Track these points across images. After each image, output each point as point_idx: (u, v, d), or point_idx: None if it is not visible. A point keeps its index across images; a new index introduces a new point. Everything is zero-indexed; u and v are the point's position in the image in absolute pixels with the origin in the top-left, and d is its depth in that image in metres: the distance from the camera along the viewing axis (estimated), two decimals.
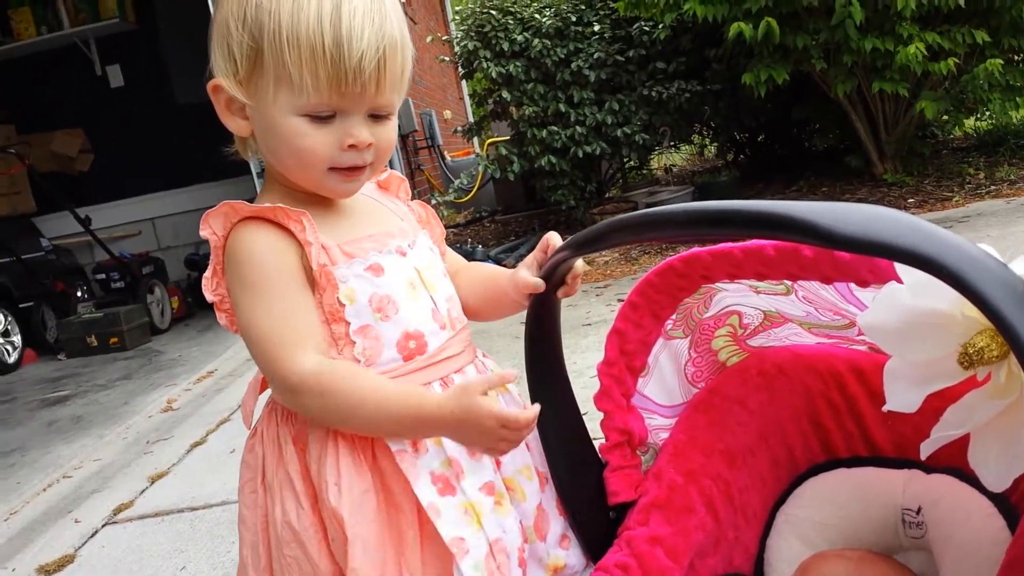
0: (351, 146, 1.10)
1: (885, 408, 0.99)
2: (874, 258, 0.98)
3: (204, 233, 1.13)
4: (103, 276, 7.18)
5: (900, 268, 0.92)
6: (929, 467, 1.25)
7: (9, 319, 6.74)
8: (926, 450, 0.97)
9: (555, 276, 1.21)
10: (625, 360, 1.33)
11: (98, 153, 8.23)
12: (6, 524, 3.28)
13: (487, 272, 1.37)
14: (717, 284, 1.29)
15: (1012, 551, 0.96)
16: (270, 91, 1.08)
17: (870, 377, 1.34)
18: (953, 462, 1.22)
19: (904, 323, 0.93)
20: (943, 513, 1.18)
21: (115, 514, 3.18)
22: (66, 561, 2.85)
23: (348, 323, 1.12)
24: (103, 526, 3.11)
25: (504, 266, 6.82)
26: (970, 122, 7.84)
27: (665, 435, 1.40)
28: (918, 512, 1.22)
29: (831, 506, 1.31)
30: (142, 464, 3.67)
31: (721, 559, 1.31)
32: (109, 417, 4.53)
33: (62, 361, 6.59)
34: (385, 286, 1.14)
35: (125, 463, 3.76)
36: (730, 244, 1.17)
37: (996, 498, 1.14)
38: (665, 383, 1.41)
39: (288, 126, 1.09)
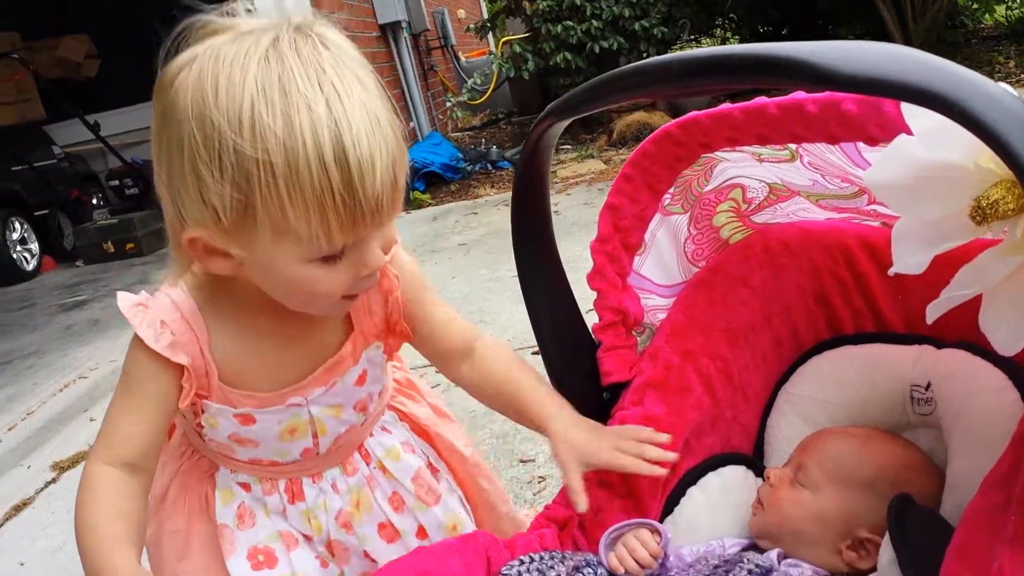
0: (370, 274, 1.01)
1: (891, 271, 0.91)
2: (883, 113, 0.89)
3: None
4: (117, 183, 7.15)
5: (909, 117, 0.83)
6: (941, 342, 1.18)
7: (25, 227, 6.75)
8: (933, 312, 0.91)
9: (540, 145, 1.13)
10: (620, 237, 1.26)
11: (105, 59, 8.08)
12: (23, 423, 3.32)
13: (511, 387, 1.23)
14: (717, 153, 1.21)
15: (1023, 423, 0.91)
16: (268, 243, 0.92)
17: (881, 252, 1.26)
18: (967, 336, 1.16)
19: (914, 178, 0.85)
20: (954, 388, 1.11)
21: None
22: (80, 458, 2.88)
23: (204, 434, 1.16)
24: None
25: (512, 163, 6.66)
26: (1001, 10, 7.51)
27: (663, 316, 1.33)
28: (927, 388, 1.16)
29: (835, 383, 1.25)
30: None
31: (719, 438, 1.27)
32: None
33: (80, 268, 6.63)
34: (251, 432, 1.14)
35: None
36: (730, 105, 1.08)
37: (1011, 370, 1.07)
38: (663, 262, 1.34)
39: (297, 275, 0.96)
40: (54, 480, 2.77)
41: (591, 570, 1.06)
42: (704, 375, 1.26)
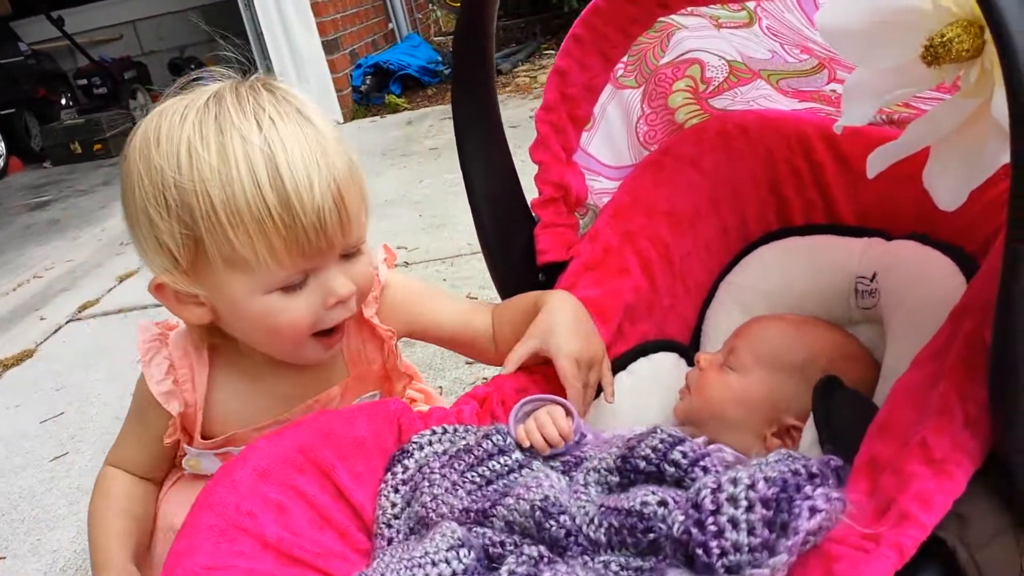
0: (336, 303, 0.98)
1: (836, 126, 0.84)
2: None
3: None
4: (85, 82, 6.95)
5: None
6: (891, 235, 1.12)
7: None
8: (874, 165, 0.84)
9: None
10: (567, 107, 1.19)
11: None
12: None
13: (525, 305, 1.16)
14: (674, 18, 1.13)
15: (967, 296, 0.85)
16: (223, 277, 0.93)
17: (841, 143, 1.19)
18: (918, 227, 1.10)
19: (868, 23, 0.78)
20: (899, 277, 1.06)
21: (80, 311, 3.13)
22: (25, 356, 2.82)
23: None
24: (66, 323, 3.07)
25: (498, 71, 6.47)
26: None
27: (608, 200, 1.27)
28: (872, 279, 1.10)
29: (778, 273, 1.19)
30: (113, 264, 3.60)
31: (654, 325, 1.21)
32: (86, 220, 4.45)
33: (47, 169, 6.47)
34: None
35: (96, 263, 3.70)
36: None
37: (959, 258, 1.01)
38: (613, 140, 1.27)
39: (258, 308, 0.96)
40: None
41: (500, 436, 1.00)
42: (643, 258, 1.19)
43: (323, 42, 5.47)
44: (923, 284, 1.01)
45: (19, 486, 1.99)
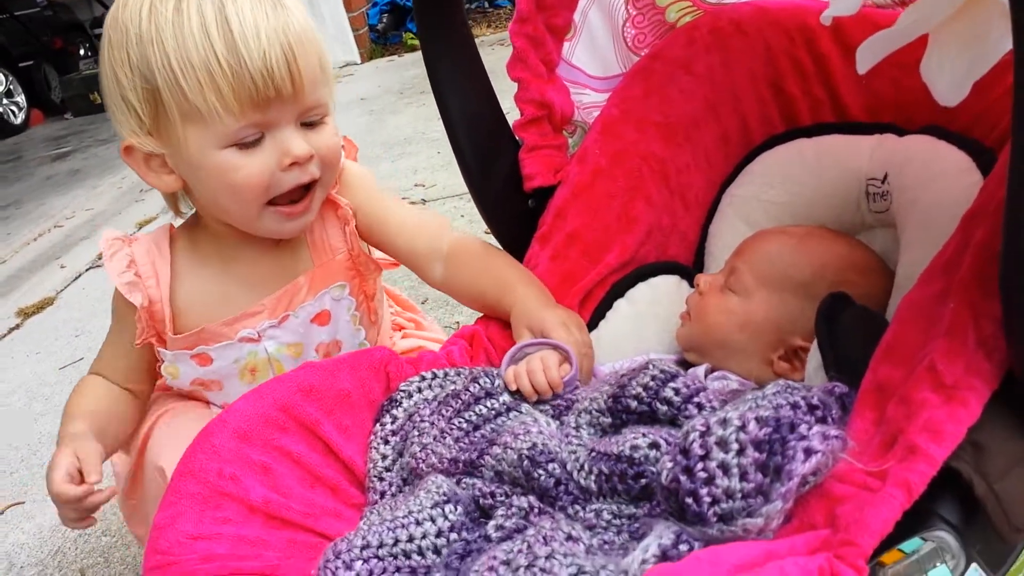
0: (292, 164, 0.99)
1: (824, 15, 0.75)
2: None
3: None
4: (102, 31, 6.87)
5: None
6: (903, 129, 1.02)
7: (10, 79, 6.55)
8: (865, 57, 0.75)
9: None
10: (543, 16, 1.09)
11: None
12: None
13: (481, 283, 1.12)
14: None
15: (980, 198, 0.76)
16: (180, 132, 0.96)
17: (847, 31, 1.08)
18: (933, 119, 1.00)
19: None
20: (912, 175, 0.96)
21: (99, 259, 3.13)
22: (46, 303, 2.83)
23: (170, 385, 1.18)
24: (86, 270, 3.07)
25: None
26: None
27: (598, 114, 1.18)
28: (884, 180, 1.01)
29: (783, 182, 1.10)
30: (132, 211, 3.60)
31: (654, 247, 1.13)
32: (106, 169, 4.45)
33: (68, 120, 6.48)
34: (211, 373, 1.14)
35: (116, 211, 3.70)
36: None
37: (975, 151, 0.92)
38: (598, 49, 1.17)
39: (215, 163, 0.97)
40: (17, 327, 2.71)
41: (487, 379, 0.95)
42: (635, 177, 1.11)
43: None
44: (937, 182, 0.92)
45: (39, 432, 2.01)
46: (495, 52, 5.22)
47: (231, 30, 0.92)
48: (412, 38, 5.91)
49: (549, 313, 1.01)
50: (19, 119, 6.50)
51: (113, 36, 0.96)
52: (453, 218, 2.55)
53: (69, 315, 2.69)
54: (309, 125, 1.00)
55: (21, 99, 6.58)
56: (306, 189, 1.03)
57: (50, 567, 1.52)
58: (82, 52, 7.28)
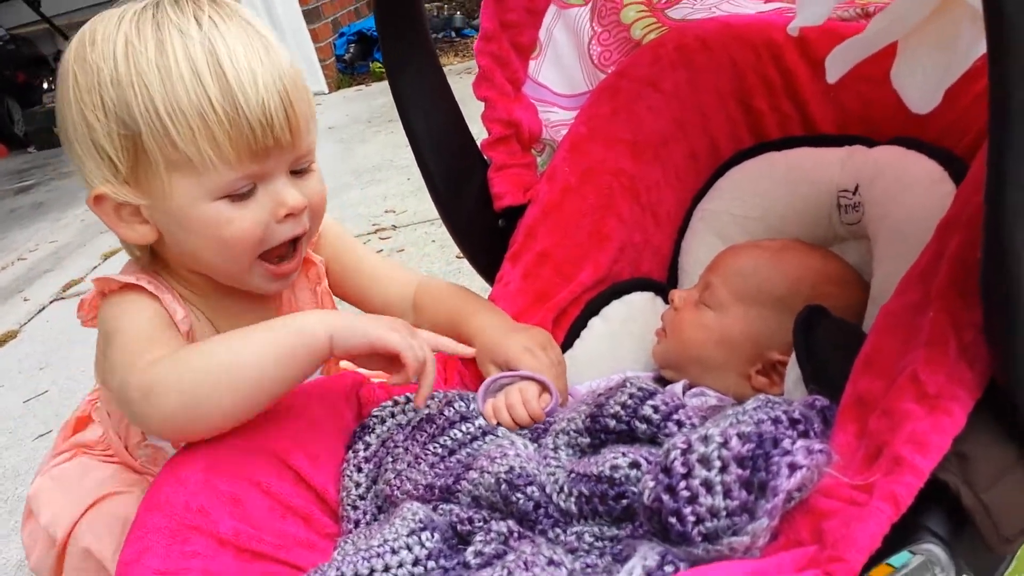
0: (287, 215, 0.91)
1: (791, 27, 0.74)
2: None
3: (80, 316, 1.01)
4: None
5: None
6: (873, 141, 1.02)
7: None
8: (835, 66, 0.74)
9: None
10: (508, 35, 1.08)
11: None
12: None
13: (452, 323, 1.08)
14: None
15: (954, 207, 0.75)
16: (165, 181, 0.86)
17: (813, 45, 1.09)
18: (903, 131, 1.00)
19: None
20: (883, 186, 0.96)
21: (64, 290, 3.08)
22: (9, 337, 2.77)
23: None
24: (50, 302, 3.01)
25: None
26: None
27: (566, 132, 1.17)
28: (855, 191, 1.00)
29: (754, 196, 1.09)
30: (97, 243, 3.53)
31: (627, 264, 1.12)
32: (69, 202, 4.37)
33: (32, 154, 6.37)
34: None
35: (80, 243, 3.63)
36: None
37: (947, 160, 0.91)
38: (564, 67, 1.16)
39: (204, 216, 0.88)
40: None
41: (463, 403, 0.93)
42: (605, 195, 1.10)
43: (304, 11, 5.28)
44: (909, 193, 0.91)
45: (3, 465, 1.96)
46: (462, 79, 5.22)
47: (225, 74, 0.84)
48: (380, 67, 5.90)
49: (512, 341, 0.99)
50: None
51: (81, 77, 0.86)
52: (424, 244, 2.53)
53: (33, 348, 2.62)
54: (298, 173, 0.93)
55: None
56: (293, 243, 0.96)
57: None
58: (45, 86, 7.18)
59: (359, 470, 0.94)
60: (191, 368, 0.84)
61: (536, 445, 0.88)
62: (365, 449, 0.95)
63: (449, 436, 0.91)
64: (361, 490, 0.93)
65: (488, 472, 0.81)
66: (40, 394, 2.27)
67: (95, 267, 3.25)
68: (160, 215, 0.90)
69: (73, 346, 2.50)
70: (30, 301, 3.05)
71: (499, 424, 0.92)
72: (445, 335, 1.06)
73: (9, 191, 5.16)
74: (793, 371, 0.87)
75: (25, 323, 2.85)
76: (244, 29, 0.87)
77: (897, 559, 0.65)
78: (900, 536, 0.63)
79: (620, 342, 1.07)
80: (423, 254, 2.47)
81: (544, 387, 0.94)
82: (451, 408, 0.93)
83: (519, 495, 0.79)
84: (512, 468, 0.80)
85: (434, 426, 0.93)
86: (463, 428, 0.91)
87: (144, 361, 0.87)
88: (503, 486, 0.79)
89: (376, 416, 0.98)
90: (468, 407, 0.93)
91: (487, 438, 0.89)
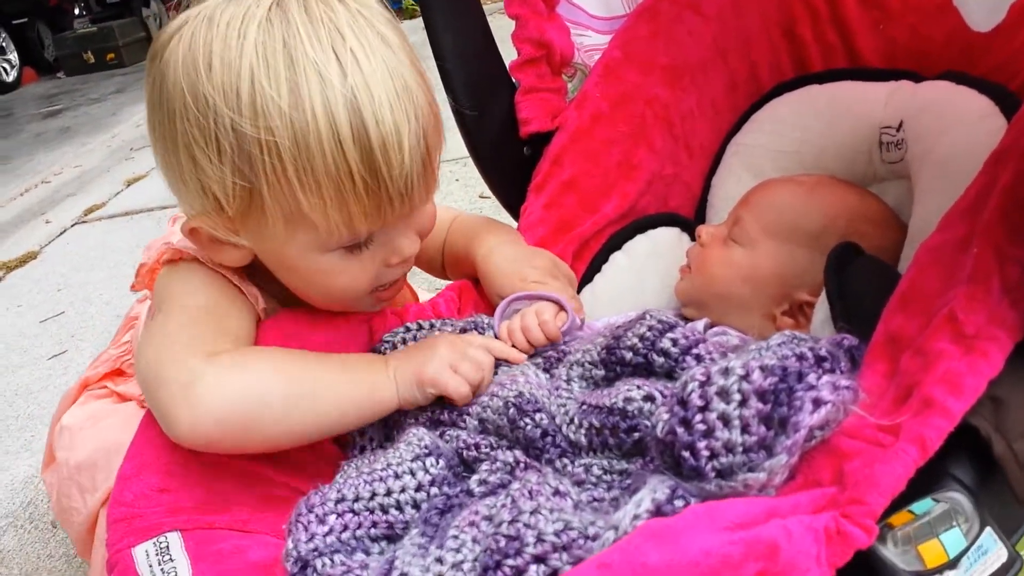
0: (400, 262, 0.85)
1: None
2: None
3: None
4: None
5: None
6: (920, 76, 0.97)
7: (3, 36, 6.44)
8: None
9: None
10: None
11: None
12: None
13: (464, 241, 1.04)
14: None
15: (1007, 139, 0.70)
16: (280, 233, 0.77)
17: None
18: (953, 66, 0.94)
19: None
20: (929, 122, 0.90)
21: (86, 214, 3.09)
22: (28, 258, 2.79)
23: None
24: (72, 225, 3.02)
25: None
26: None
27: (599, 57, 1.12)
28: (899, 128, 0.95)
29: (793, 129, 1.04)
30: (121, 169, 3.54)
31: (655, 198, 1.08)
32: (96, 128, 4.37)
33: (61, 79, 6.39)
34: None
35: (105, 169, 3.64)
36: None
37: (999, 96, 0.86)
38: None
39: (315, 267, 0.81)
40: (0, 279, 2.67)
41: (477, 332, 0.90)
42: (638, 123, 1.06)
43: None
44: (956, 128, 0.86)
45: (16, 383, 1.98)
46: (494, 21, 5.14)
47: (369, 141, 0.72)
48: (412, 5, 5.81)
49: (521, 265, 0.95)
50: (11, 77, 6.40)
51: (192, 107, 0.72)
52: (447, 183, 2.50)
53: (52, 269, 2.64)
54: None
55: (14, 57, 6.48)
56: None
57: (21, 519, 1.48)
58: (76, 11, 7.17)
59: None
60: (262, 381, 0.77)
61: (548, 376, 0.86)
62: None
63: None
64: None
65: (497, 396, 0.79)
66: (56, 315, 2.29)
67: (118, 192, 3.26)
68: (266, 253, 0.82)
69: (92, 270, 2.52)
70: (52, 224, 3.07)
71: (514, 346, 0.89)
72: (461, 264, 1.04)
73: (37, 115, 5.17)
74: (821, 310, 0.83)
75: (45, 245, 2.87)
76: (385, 60, 0.75)
77: (919, 506, 0.62)
78: (924, 482, 0.60)
79: (643, 278, 1.03)
80: (446, 193, 2.44)
81: (560, 307, 0.91)
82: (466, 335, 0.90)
83: (527, 420, 0.76)
84: (521, 393, 0.78)
85: None
86: None
87: (202, 348, 0.78)
88: (511, 410, 0.77)
89: (388, 342, 0.95)
90: (483, 334, 0.90)
91: (499, 367, 0.87)
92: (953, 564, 0.62)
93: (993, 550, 0.64)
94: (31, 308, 2.37)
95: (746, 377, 0.62)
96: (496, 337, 0.91)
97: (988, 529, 0.64)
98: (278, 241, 0.79)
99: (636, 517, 0.59)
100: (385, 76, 0.74)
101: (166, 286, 0.85)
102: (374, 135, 0.72)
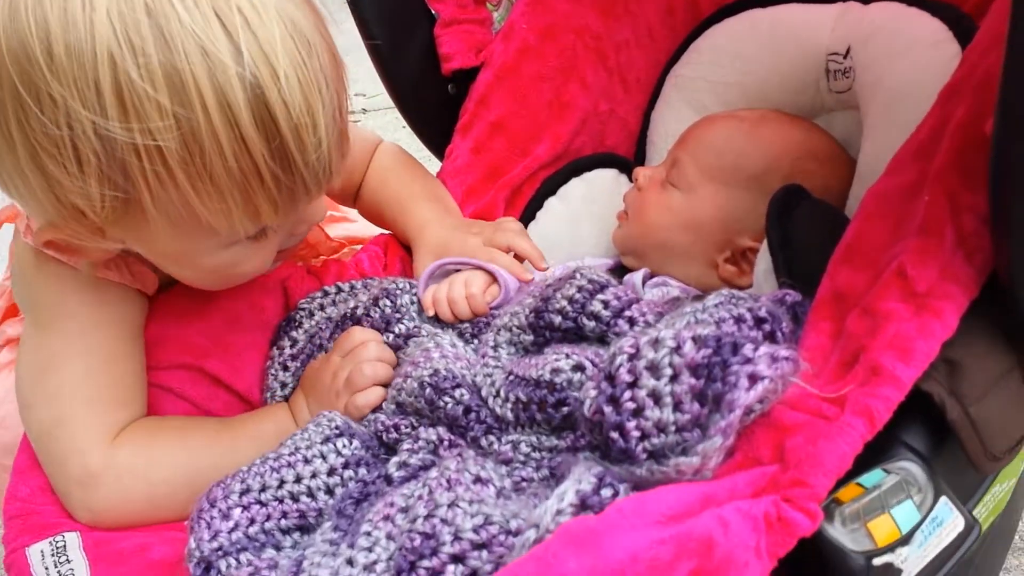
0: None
1: None
2: None
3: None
4: None
5: None
6: None
7: None
8: None
9: None
10: None
11: None
12: None
13: (395, 195, 0.95)
14: None
15: (960, 71, 0.63)
16: (168, 237, 0.65)
17: None
18: None
19: None
20: (878, 47, 0.83)
21: None
22: None
23: None
24: None
25: None
26: None
27: None
28: (846, 55, 0.87)
29: (733, 59, 0.96)
30: None
31: (590, 137, 1.00)
32: None
33: None
34: None
35: None
36: None
37: (952, 19, 0.79)
38: None
39: (213, 262, 0.70)
40: None
41: (389, 302, 0.83)
42: (568, 56, 0.97)
43: None
44: (906, 55, 0.79)
45: None
46: None
47: (278, 129, 0.59)
48: None
49: (460, 234, 0.88)
50: None
51: (30, 106, 0.56)
52: (394, 129, 2.40)
53: None
54: None
55: None
56: None
57: None
58: None
59: (285, 368, 0.85)
60: (165, 481, 0.72)
61: (475, 343, 0.79)
62: (292, 346, 0.86)
63: None
64: (287, 391, 0.84)
65: (411, 377, 0.72)
66: None
67: None
68: (147, 252, 0.70)
69: None
70: None
71: (436, 317, 0.82)
72: (382, 220, 0.96)
73: None
74: (764, 260, 0.77)
75: None
76: (278, 10, 0.60)
77: (868, 478, 0.57)
78: (873, 452, 0.55)
79: (579, 225, 0.97)
80: (393, 139, 2.34)
81: (493, 278, 0.84)
82: (376, 309, 0.83)
83: (446, 399, 0.70)
84: (437, 371, 0.71)
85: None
86: (388, 335, 0.81)
87: (99, 426, 0.71)
88: (427, 390, 0.71)
89: (304, 309, 0.88)
90: (395, 305, 0.83)
91: (410, 342, 0.80)
92: (906, 540, 0.57)
93: (949, 519, 0.60)
94: None
95: (678, 350, 0.56)
96: (419, 304, 0.84)
97: (943, 498, 0.59)
98: (165, 245, 0.67)
99: (559, 512, 0.53)
100: (285, 36, 0.59)
101: (33, 278, 0.74)
102: (283, 122, 0.59)
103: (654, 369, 0.56)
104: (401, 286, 0.85)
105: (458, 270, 0.87)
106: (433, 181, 0.98)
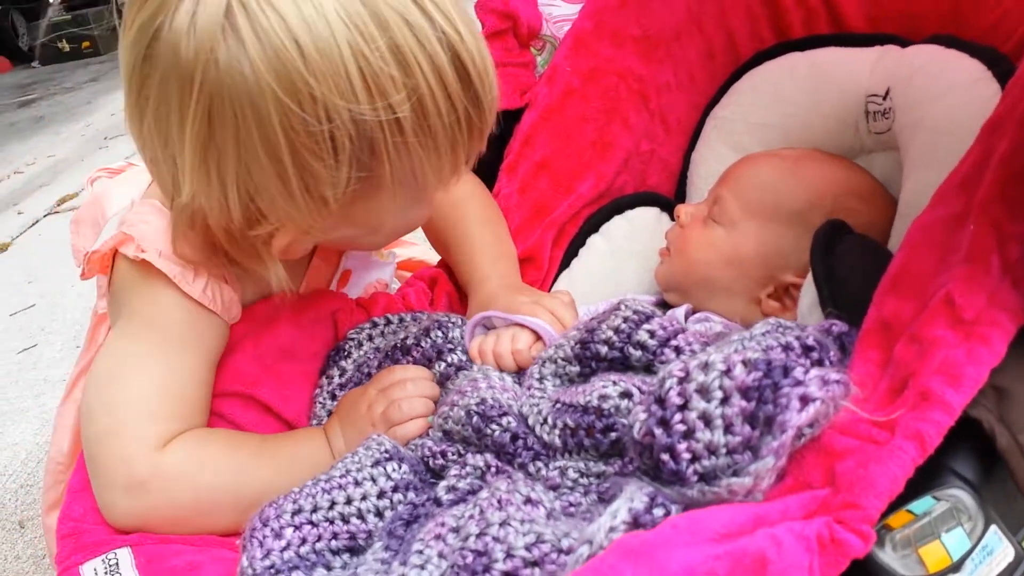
0: None
1: None
2: None
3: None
4: None
5: None
6: (908, 41, 0.91)
7: None
8: None
9: None
10: None
11: None
12: None
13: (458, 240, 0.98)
14: None
15: (1001, 106, 0.65)
16: (389, 204, 0.71)
17: None
18: (942, 29, 0.89)
19: None
20: (918, 89, 0.85)
21: (59, 204, 3.01)
22: (1, 248, 2.71)
23: None
24: (44, 216, 2.95)
25: None
26: None
27: (568, 28, 1.06)
28: (886, 96, 0.89)
29: (774, 101, 0.99)
30: (95, 159, 3.46)
31: (632, 176, 1.03)
32: (70, 117, 4.28)
33: (35, 68, 6.26)
34: None
35: (78, 158, 3.55)
36: None
37: (991, 59, 0.80)
38: None
39: (399, 223, 0.78)
40: None
41: (440, 333, 0.84)
42: (611, 98, 1.00)
43: None
44: (947, 95, 0.81)
45: None
46: None
47: (469, 74, 0.66)
48: None
49: (515, 297, 0.89)
50: None
51: (292, 109, 0.62)
52: None
53: (23, 261, 2.58)
54: None
55: None
56: None
57: None
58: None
59: (333, 397, 0.87)
60: (210, 495, 0.75)
61: (519, 375, 0.80)
62: (340, 375, 0.88)
63: None
64: None
65: (458, 405, 0.74)
66: (27, 308, 2.22)
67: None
68: (350, 231, 0.76)
69: (63, 262, 2.44)
70: (24, 215, 2.99)
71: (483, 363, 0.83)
72: (455, 254, 0.98)
73: (11, 105, 5.07)
74: (808, 294, 0.78)
75: (17, 236, 2.80)
76: None
77: (918, 505, 0.57)
78: (922, 479, 0.55)
79: (622, 262, 0.98)
80: None
81: (538, 338, 0.85)
82: (428, 339, 0.85)
83: (494, 426, 0.71)
84: (484, 400, 0.73)
85: (409, 359, 0.85)
86: (439, 365, 0.83)
87: (154, 434, 0.73)
88: (475, 418, 0.72)
89: (353, 339, 0.90)
90: (446, 337, 0.85)
91: (460, 374, 0.81)
92: (957, 567, 0.57)
93: (999, 549, 0.60)
94: (0, 301, 2.31)
95: (728, 372, 0.57)
96: (466, 352, 0.85)
97: (993, 527, 0.59)
98: (380, 215, 0.73)
99: (612, 530, 0.54)
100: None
101: (132, 292, 0.77)
102: (472, 70, 0.66)
103: (704, 392, 0.57)
104: (453, 320, 0.86)
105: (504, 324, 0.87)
106: (504, 231, 0.98)
